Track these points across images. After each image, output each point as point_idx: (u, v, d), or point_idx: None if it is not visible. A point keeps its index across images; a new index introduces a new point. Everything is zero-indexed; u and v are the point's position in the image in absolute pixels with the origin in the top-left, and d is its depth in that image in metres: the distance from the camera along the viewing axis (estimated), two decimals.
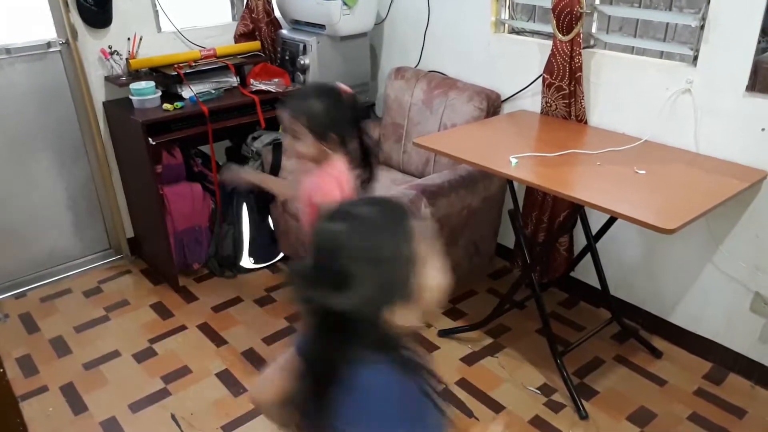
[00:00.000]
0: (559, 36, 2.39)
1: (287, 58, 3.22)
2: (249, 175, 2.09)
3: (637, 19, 2.65)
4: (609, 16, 2.55)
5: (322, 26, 3.06)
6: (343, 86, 1.71)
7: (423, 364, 0.95)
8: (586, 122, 2.53)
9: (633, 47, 2.49)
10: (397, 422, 0.90)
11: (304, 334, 0.97)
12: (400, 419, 0.90)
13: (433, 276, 0.94)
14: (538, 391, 2.31)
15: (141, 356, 2.53)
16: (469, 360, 2.47)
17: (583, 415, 2.18)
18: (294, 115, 1.66)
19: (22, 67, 2.73)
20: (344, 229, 0.91)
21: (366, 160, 1.75)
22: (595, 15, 2.47)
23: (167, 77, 2.87)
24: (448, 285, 0.96)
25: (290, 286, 0.91)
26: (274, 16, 3.27)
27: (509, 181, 2.40)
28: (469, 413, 2.21)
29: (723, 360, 2.40)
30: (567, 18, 2.33)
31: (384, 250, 0.90)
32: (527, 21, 2.83)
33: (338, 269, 0.87)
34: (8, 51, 2.67)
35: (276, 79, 3.05)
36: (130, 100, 2.77)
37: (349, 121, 1.70)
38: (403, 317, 0.91)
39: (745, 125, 2.09)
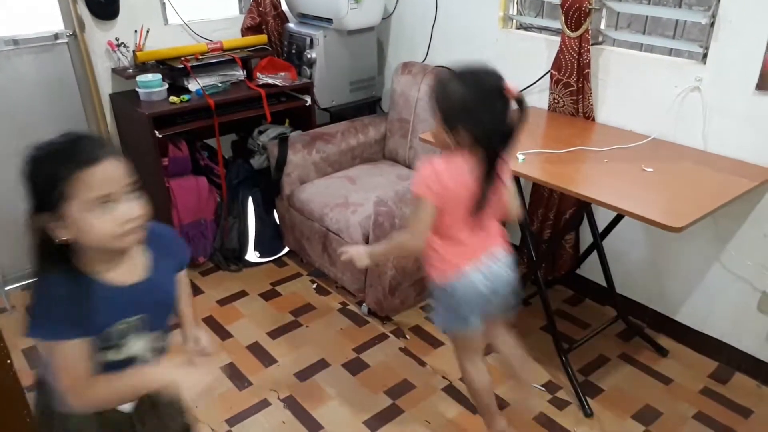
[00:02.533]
0: (568, 32, 2.38)
1: (294, 51, 3.21)
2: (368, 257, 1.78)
3: (646, 16, 2.63)
4: (618, 13, 2.54)
5: (329, 20, 3.06)
6: (510, 85, 1.51)
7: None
8: (593, 119, 2.52)
9: (642, 44, 2.48)
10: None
11: None
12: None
13: (93, 219, 1.09)
14: (543, 389, 2.31)
15: None
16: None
17: (588, 413, 2.17)
18: (431, 92, 1.55)
19: (29, 58, 2.73)
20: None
21: (487, 178, 1.55)
22: (604, 11, 2.46)
23: (174, 70, 2.87)
24: (112, 235, 1.11)
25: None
26: (281, 10, 3.26)
27: (516, 178, 2.39)
28: (473, 409, 2.21)
29: (729, 359, 2.39)
30: (576, 14, 2.32)
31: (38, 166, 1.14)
32: (535, 17, 2.81)
33: None
34: (16, 42, 2.67)
35: (282, 73, 3.04)
36: (137, 92, 2.77)
37: (494, 124, 1.51)
38: (58, 232, 1.11)
39: (755, 124, 2.08)
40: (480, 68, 1.55)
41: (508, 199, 1.69)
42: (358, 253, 1.77)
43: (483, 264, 1.66)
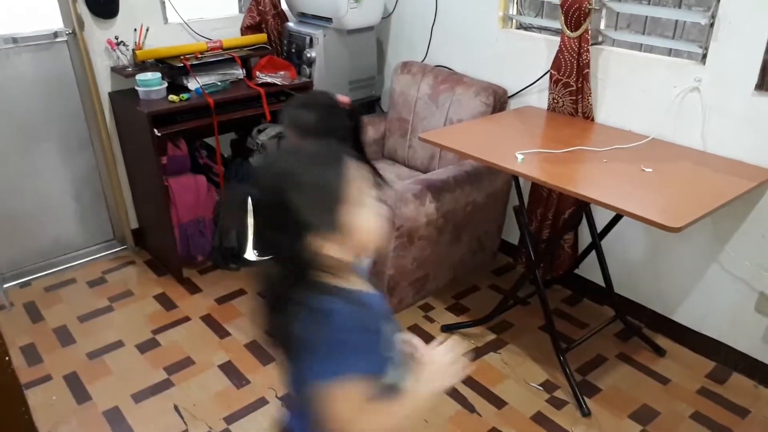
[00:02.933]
0: (567, 32, 2.38)
1: (293, 51, 3.21)
2: None
3: (646, 16, 2.64)
4: (617, 13, 2.54)
5: (329, 19, 3.06)
6: (341, 97, 1.70)
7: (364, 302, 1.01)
8: (593, 119, 2.52)
9: (641, 44, 2.48)
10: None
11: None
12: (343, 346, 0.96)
13: (365, 218, 0.99)
14: (541, 388, 2.31)
15: (144, 347, 2.53)
16: (472, 356, 2.48)
17: (586, 413, 2.18)
18: (286, 125, 1.67)
19: (28, 56, 2.73)
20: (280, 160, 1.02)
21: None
22: (604, 11, 2.46)
23: (173, 69, 2.87)
24: (383, 231, 1.02)
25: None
26: (281, 9, 3.26)
27: (515, 177, 2.39)
28: (471, 408, 2.21)
29: (726, 359, 2.39)
30: (575, 14, 2.32)
31: (309, 181, 0.95)
32: (535, 17, 2.81)
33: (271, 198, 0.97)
34: (15, 40, 2.67)
35: (282, 72, 3.04)
36: (136, 91, 2.77)
37: (345, 133, 1.67)
38: (331, 249, 0.97)
39: (754, 124, 2.08)
40: (315, 93, 1.88)
41: None
42: None
43: None
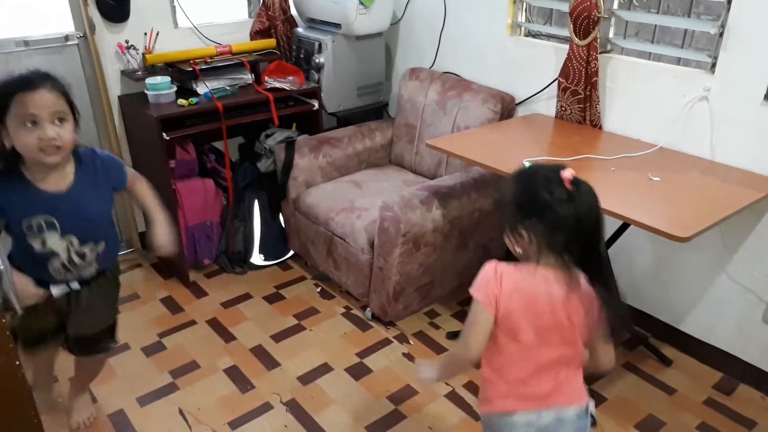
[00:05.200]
0: (576, 40, 2.38)
1: (302, 56, 3.22)
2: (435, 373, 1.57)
3: (655, 25, 2.63)
4: (626, 21, 2.54)
5: (337, 25, 3.07)
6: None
7: None
8: (600, 127, 2.52)
9: (650, 53, 2.48)
10: None
11: None
12: None
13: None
14: None
15: (150, 350, 2.54)
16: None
17: (591, 422, 2.16)
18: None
19: (39, 59, 2.74)
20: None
21: None
22: (613, 20, 2.46)
23: (183, 73, 2.88)
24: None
25: None
26: (290, 14, 3.28)
27: None
28: (476, 416, 2.20)
29: (734, 370, 2.38)
30: (584, 22, 2.32)
31: None
32: (544, 24, 2.82)
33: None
34: (26, 43, 2.70)
35: (290, 77, 3.05)
36: (146, 94, 2.78)
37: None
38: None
39: (763, 134, 2.08)
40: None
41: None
42: (427, 372, 1.57)
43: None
